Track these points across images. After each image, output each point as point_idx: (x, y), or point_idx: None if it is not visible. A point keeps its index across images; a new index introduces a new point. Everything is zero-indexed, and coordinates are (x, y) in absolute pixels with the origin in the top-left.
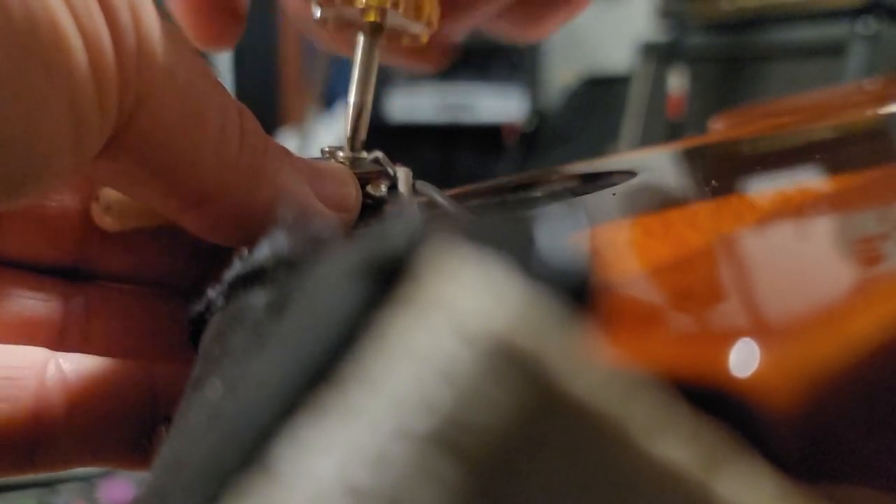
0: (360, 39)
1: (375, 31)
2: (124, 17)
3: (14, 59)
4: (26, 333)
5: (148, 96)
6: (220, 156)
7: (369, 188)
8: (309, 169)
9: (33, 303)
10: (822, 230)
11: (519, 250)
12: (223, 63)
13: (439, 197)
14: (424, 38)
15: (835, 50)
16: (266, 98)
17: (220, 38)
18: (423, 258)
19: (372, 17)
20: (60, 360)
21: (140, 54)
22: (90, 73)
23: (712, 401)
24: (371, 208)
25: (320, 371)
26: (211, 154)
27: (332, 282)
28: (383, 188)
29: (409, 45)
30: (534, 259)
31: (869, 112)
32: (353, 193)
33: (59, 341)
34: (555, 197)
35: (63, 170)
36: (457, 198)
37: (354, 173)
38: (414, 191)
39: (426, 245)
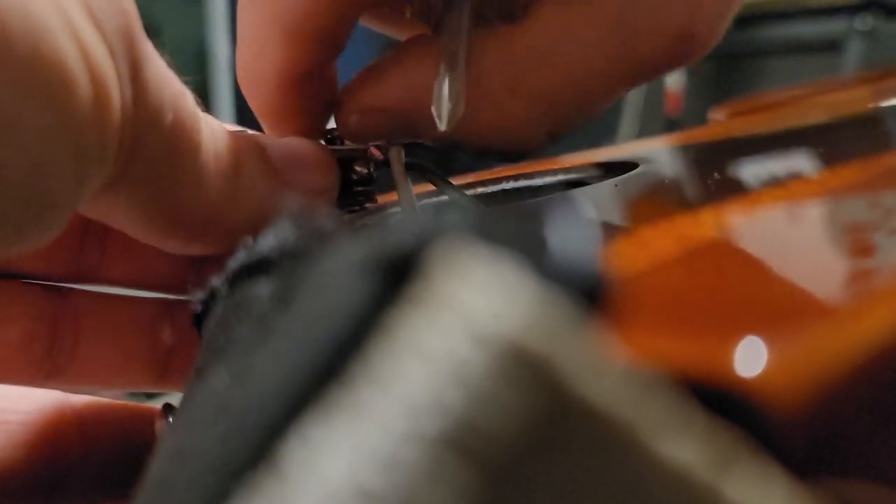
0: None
1: None
2: (122, 58)
3: (19, 96)
4: (9, 354)
5: (144, 136)
6: (203, 191)
7: (356, 166)
8: (284, 157)
9: (22, 318)
10: (828, 225)
11: (530, 249)
12: (222, 61)
13: (436, 177)
14: None
15: (832, 46)
16: None
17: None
18: (433, 256)
19: None
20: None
21: (140, 94)
22: (95, 112)
23: (720, 401)
24: (357, 184)
25: (329, 369)
26: (193, 191)
27: (339, 277)
28: (371, 166)
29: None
30: (545, 259)
31: (867, 103)
32: (329, 176)
33: (45, 360)
34: (557, 187)
35: (66, 211)
36: (459, 187)
37: (341, 151)
38: (408, 169)
39: (436, 243)
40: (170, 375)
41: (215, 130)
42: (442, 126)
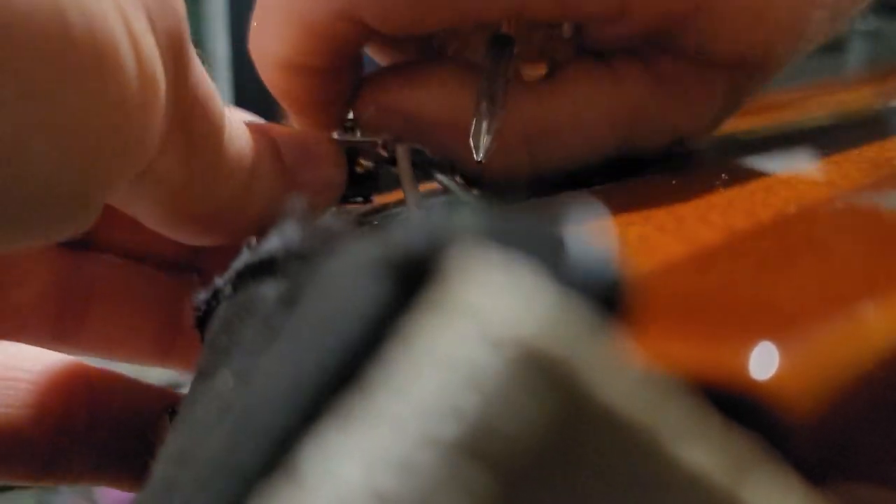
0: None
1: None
2: (170, 62)
3: (83, 102)
4: (21, 315)
5: (174, 134)
6: (218, 189)
7: (362, 159)
8: (295, 152)
9: (36, 278)
10: (835, 224)
11: (547, 253)
12: (220, 59)
13: (443, 176)
14: None
15: (835, 46)
16: (265, 94)
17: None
18: (448, 260)
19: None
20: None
21: (180, 94)
22: (142, 116)
23: (735, 405)
24: (361, 178)
25: (339, 371)
26: (209, 189)
27: (347, 278)
28: (376, 161)
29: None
30: (563, 263)
31: (872, 104)
32: (337, 172)
33: (56, 323)
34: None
35: (99, 207)
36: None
37: (347, 142)
38: (415, 167)
39: (451, 245)
40: (174, 353)
41: (235, 128)
42: (479, 157)
